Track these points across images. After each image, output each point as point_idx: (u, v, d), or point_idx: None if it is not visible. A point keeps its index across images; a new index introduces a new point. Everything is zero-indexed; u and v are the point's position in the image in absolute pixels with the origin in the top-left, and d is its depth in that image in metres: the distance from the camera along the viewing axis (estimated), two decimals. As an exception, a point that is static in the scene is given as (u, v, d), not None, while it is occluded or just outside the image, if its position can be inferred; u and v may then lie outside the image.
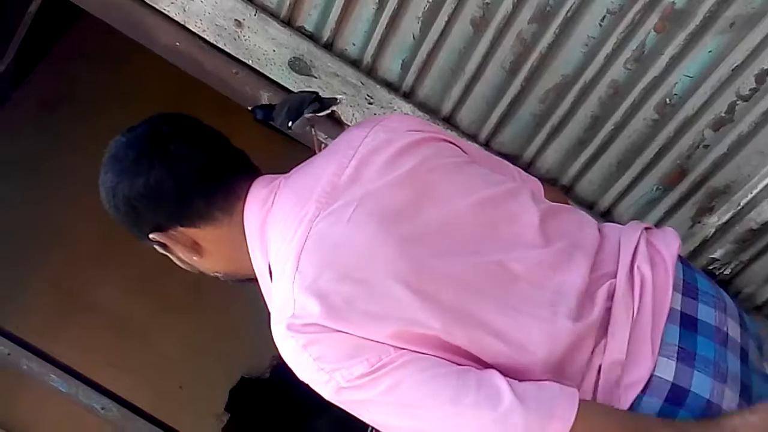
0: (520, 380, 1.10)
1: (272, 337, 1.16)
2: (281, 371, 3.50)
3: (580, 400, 1.07)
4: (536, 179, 1.56)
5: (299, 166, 1.36)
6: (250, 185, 1.31)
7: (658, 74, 1.66)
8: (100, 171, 1.32)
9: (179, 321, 3.70)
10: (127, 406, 2.74)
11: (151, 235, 1.31)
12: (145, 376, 3.48)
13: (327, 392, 1.12)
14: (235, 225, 1.29)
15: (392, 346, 1.08)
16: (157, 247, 1.36)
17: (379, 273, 1.12)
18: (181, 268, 1.42)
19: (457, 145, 1.40)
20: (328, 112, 1.49)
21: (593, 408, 1.11)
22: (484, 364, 1.12)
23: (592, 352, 1.15)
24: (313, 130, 1.57)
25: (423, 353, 1.09)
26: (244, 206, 1.30)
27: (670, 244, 1.28)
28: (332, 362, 1.09)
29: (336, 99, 1.49)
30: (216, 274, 1.39)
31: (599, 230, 1.32)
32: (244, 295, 2.15)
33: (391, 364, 1.08)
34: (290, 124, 1.49)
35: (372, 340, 1.08)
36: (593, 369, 1.15)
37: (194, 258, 1.34)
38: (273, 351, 1.14)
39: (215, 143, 1.35)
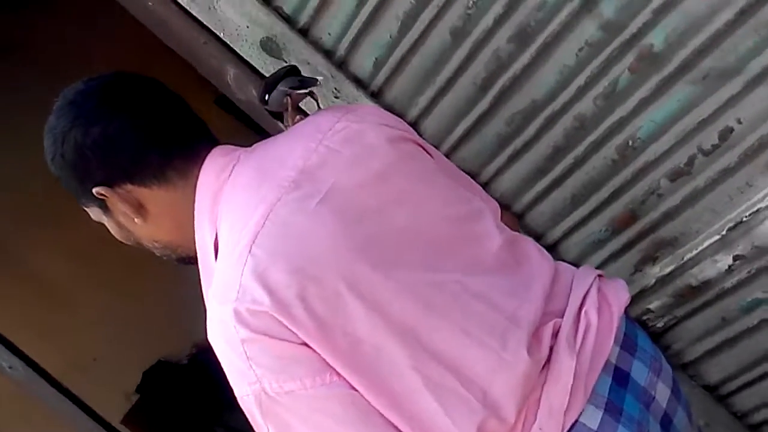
0: (452, 416, 1.07)
1: (198, 325, 1.11)
2: (200, 360, 3.48)
3: None
4: (495, 201, 1.54)
5: (262, 142, 1.32)
6: (208, 152, 1.27)
7: (625, 115, 1.66)
8: (49, 118, 1.26)
9: (107, 294, 3.62)
10: (34, 369, 2.66)
11: (95, 189, 1.24)
12: (60, 344, 3.39)
13: (245, 390, 1.07)
14: (188, 191, 1.24)
15: (331, 369, 1.05)
16: (91, 212, 1.31)
17: (333, 273, 1.08)
18: (119, 241, 1.36)
19: (427, 151, 1.37)
20: (306, 91, 1.43)
21: None
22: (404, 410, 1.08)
23: (532, 391, 1.13)
24: (288, 108, 1.48)
25: (356, 391, 1.06)
26: (199, 172, 1.25)
27: (619, 295, 1.27)
28: (266, 368, 1.05)
29: (316, 80, 1.44)
30: (154, 244, 1.33)
31: (555, 267, 1.30)
32: (179, 280, 2.09)
33: (323, 393, 1.05)
34: (267, 97, 1.43)
35: (312, 352, 1.05)
36: (530, 407, 1.13)
37: (136, 221, 1.27)
38: (195, 339, 1.09)
39: (179, 105, 1.32)
